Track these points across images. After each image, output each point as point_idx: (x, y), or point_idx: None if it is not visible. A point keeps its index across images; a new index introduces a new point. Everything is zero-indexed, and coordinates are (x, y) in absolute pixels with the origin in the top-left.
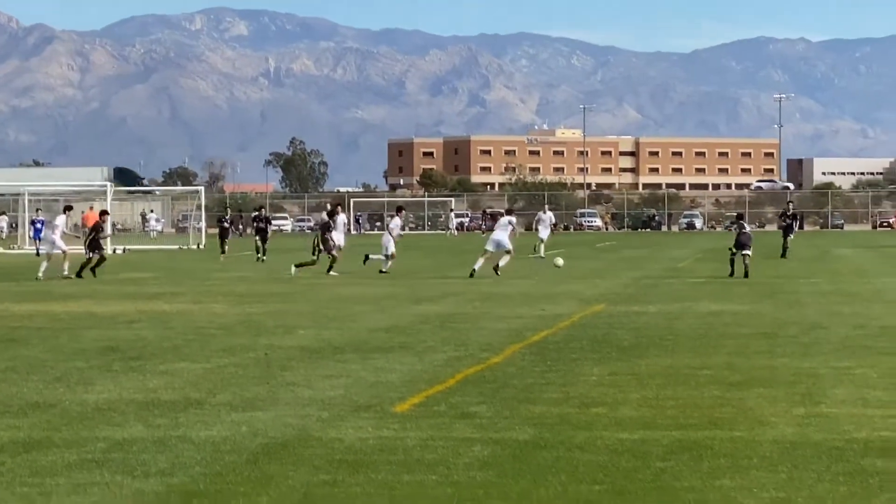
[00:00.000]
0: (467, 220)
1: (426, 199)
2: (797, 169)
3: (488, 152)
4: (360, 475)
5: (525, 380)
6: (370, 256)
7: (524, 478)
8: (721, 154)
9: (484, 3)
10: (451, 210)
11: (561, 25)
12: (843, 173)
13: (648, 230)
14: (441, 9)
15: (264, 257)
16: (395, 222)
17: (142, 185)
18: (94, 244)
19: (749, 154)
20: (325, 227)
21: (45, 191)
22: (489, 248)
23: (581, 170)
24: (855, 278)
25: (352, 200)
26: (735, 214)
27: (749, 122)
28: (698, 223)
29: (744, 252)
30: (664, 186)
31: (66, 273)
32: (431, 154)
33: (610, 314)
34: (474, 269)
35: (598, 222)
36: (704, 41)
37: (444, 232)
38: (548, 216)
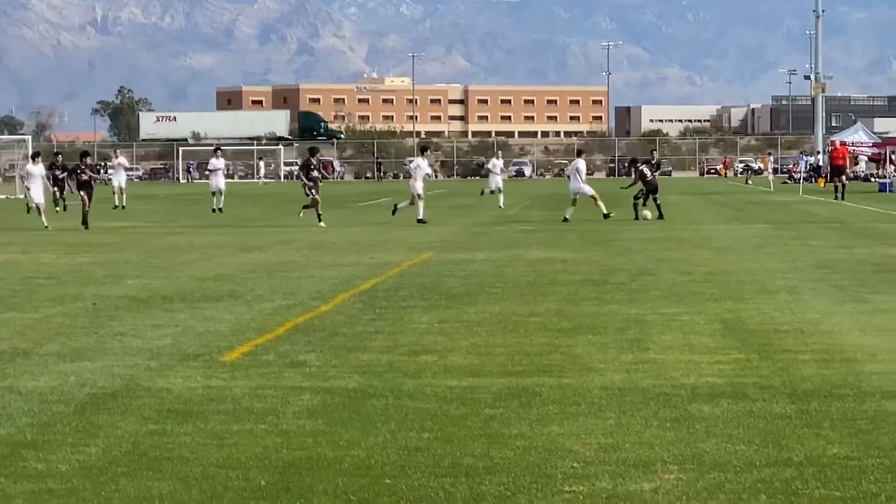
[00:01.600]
0: (297, 168)
1: (255, 147)
2: (625, 116)
3: (317, 101)
4: (189, 425)
5: (354, 328)
6: (398, 206)
7: (353, 426)
8: (550, 102)
9: None
10: (260, 159)
11: None
12: (671, 120)
13: (478, 178)
14: None
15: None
16: (421, 163)
17: (326, 129)
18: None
19: (578, 102)
20: (306, 167)
21: None
22: (574, 195)
23: (410, 118)
24: (683, 225)
25: (180, 149)
26: (631, 160)
27: (577, 70)
28: (527, 171)
29: (655, 196)
30: (493, 134)
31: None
32: (261, 102)
33: (439, 262)
34: (566, 217)
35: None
36: None
37: (271, 180)
38: (499, 162)
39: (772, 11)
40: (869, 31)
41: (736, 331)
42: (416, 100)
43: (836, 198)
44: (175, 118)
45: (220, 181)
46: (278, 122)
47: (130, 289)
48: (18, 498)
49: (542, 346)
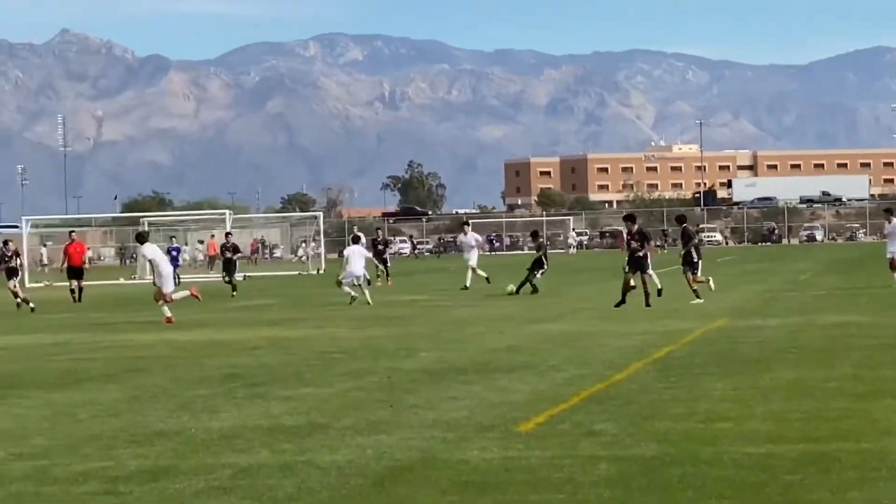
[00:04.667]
0: (586, 238)
1: (544, 218)
2: None
3: (605, 170)
4: (486, 496)
5: (649, 396)
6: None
7: (651, 495)
8: (840, 165)
9: (597, 21)
10: (573, 230)
11: (675, 41)
12: None
13: (768, 244)
14: (554, 28)
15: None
16: None
17: None
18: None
19: (868, 165)
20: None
21: (165, 220)
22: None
23: (699, 185)
24: None
25: (470, 222)
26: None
27: (867, 132)
28: (819, 235)
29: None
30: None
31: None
32: (548, 173)
33: (732, 328)
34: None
35: (718, 237)
36: (820, 53)
37: (562, 251)
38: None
39: None
40: None
41: None
42: (704, 167)
43: None
44: None
45: (472, 257)
46: None
47: (424, 361)
48: None
49: (839, 411)
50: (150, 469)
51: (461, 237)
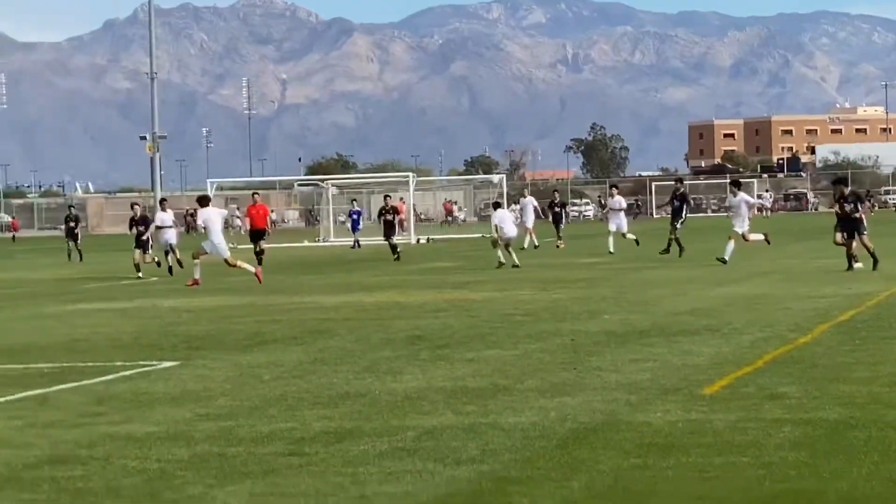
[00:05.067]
0: (769, 201)
1: (728, 181)
2: None
3: (789, 132)
4: (670, 458)
5: (834, 359)
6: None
7: (836, 458)
8: None
9: None
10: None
11: (860, 2)
12: None
13: None
14: None
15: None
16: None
17: None
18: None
19: None
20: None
21: (349, 183)
22: None
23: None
24: None
25: (653, 185)
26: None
27: None
28: None
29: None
30: None
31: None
32: (732, 135)
33: None
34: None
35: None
36: None
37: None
38: None
39: None
40: None
41: None
42: (889, 129)
43: None
44: None
45: (621, 221)
46: None
47: (607, 324)
48: None
49: None
50: (335, 430)
51: (609, 200)
